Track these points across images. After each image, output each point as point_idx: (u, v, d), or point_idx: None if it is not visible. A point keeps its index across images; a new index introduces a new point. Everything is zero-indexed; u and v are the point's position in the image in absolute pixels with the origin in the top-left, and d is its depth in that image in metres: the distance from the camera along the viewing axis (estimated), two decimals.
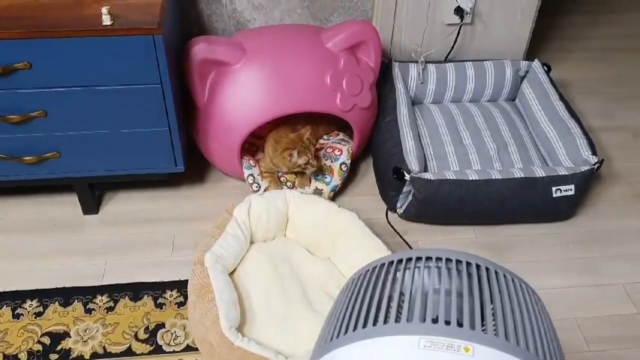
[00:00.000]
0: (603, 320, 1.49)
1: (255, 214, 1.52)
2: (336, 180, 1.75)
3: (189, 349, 1.40)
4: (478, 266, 0.73)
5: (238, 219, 1.50)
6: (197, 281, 1.35)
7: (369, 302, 0.70)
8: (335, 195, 1.79)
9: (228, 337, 1.25)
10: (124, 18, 1.40)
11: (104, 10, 1.36)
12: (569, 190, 1.64)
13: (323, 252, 1.56)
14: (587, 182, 1.67)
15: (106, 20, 1.37)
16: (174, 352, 1.40)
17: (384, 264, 0.75)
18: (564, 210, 1.71)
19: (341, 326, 0.69)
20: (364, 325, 0.66)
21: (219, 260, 1.39)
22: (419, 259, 0.74)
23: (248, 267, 1.48)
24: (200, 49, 1.58)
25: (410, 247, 1.66)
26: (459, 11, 1.92)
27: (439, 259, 0.73)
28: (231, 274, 1.46)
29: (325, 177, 1.74)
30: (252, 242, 1.54)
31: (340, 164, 1.76)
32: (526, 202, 1.64)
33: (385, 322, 0.65)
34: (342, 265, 1.52)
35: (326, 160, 1.77)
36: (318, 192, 1.73)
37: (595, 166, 1.66)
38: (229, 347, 1.25)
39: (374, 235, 1.50)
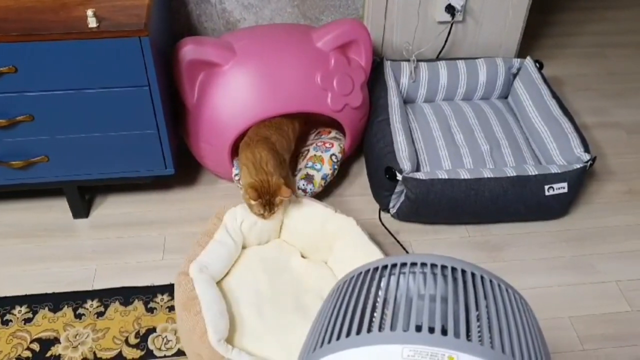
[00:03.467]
0: (597, 319, 1.49)
1: (248, 219, 1.51)
2: (327, 169, 1.73)
3: (181, 353, 1.39)
4: (464, 271, 0.72)
5: (228, 225, 1.48)
6: (182, 294, 1.32)
7: (352, 310, 0.68)
8: (328, 195, 1.78)
9: (218, 350, 1.23)
10: (110, 20, 1.38)
11: (90, 12, 1.35)
12: (561, 188, 1.63)
13: (319, 256, 1.55)
14: (580, 180, 1.66)
15: (92, 22, 1.35)
16: (165, 356, 1.39)
17: (368, 270, 0.74)
18: (557, 209, 1.70)
19: (325, 335, 0.68)
20: (348, 334, 0.65)
21: (204, 270, 1.37)
22: (403, 264, 0.73)
23: (239, 274, 1.46)
24: (189, 50, 1.57)
25: (404, 247, 1.65)
26: (450, 9, 1.91)
27: (424, 265, 0.72)
28: (220, 281, 1.45)
29: (316, 165, 1.73)
30: (245, 247, 1.53)
31: (331, 155, 1.74)
32: (519, 200, 1.63)
33: (369, 330, 0.64)
34: (339, 270, 1.51)
35: (316, 151, 1.76)
36: (309, 177, 1.70)
37: (588, 164, 1.66)
38: None
39: (371, 241, 1.49)
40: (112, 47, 1.38)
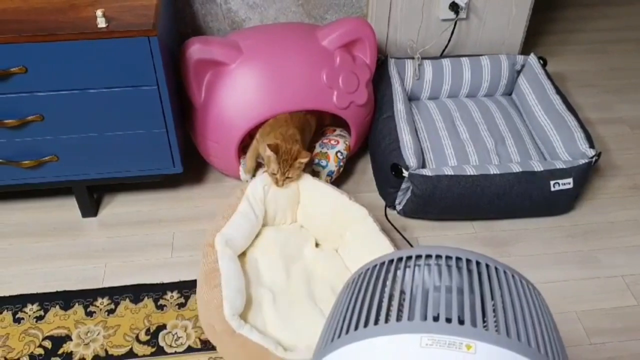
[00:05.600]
0: (603, 313, 1.50)
1: (268, 191, 1.55)
2: (332, 165, 1.74)
3: (191, 350, 1.40)
4: (478, 263, 0.73)
5: (250, 198, 1.53)
6: (206, 266, 1.38)
7: (369, 301, 0.70)
8: None
9: (230, 323, 1.28)
10: (118, 20, 1.39)
11: (99, 12, 1.36)
12: (567, 183, 1.64)
13: (331, 244, 1.58)
14: (585, 175, 1.68)
15: (101, 22, 1.37)
16: (175, 353, 1.40)
17: (384, 263, 0.76)
18: (562, 204, 1.71)
19: (342, 326, 0.69)
20: (366, 325, 0.66)
21: (229, 243, 1.43)
22: (419, 256, 0.74)
23: (259, 255, 1.52)
24: (196, 50, 1.58)
25: (410, 244, 1.66)
26: (454, 6, 1.92)
27: (439, 257, 0.73)
28: (242, 257, 1.49)
29: (321, 162, 1.74)
30: (265, 225, 1.57)
31: (336, 152, 1.76)
32: (525, 196, 1.64)
33: (387, 321, 0.65)
34: (348, 260, 1.54)
35: (322, 148, 1.78)
36: (315, 174, 1.72)
37: (593, 159, 1.67)
38: (231, 334, 1.28)
39: (382, 233, 1.51)
40: (121, 47, 1.39)
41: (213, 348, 1.40)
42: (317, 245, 1.60)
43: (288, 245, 1.54)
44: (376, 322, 0.66)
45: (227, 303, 1.30)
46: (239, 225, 1.47)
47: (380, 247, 1.47)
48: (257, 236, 1.56)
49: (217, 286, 1.33)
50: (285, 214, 1.60)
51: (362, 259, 1.45)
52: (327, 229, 1.57)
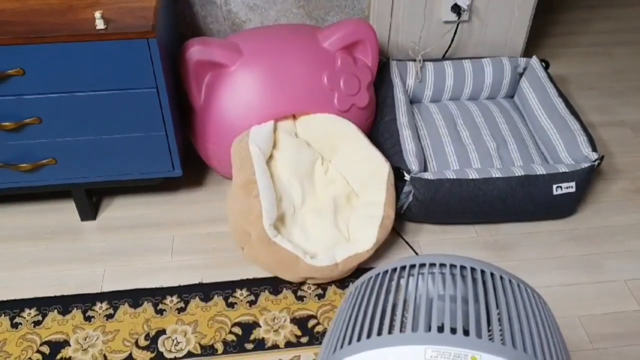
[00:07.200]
0: (606, 318, 1.49)
1: None
2: None
3: (191, 355, 1.39)
4: (483, 272, 0.72)
5: None
6: (243, 177, 1.51)
7: (372, 311, 0.68)
8: None
9: (268, 232, 1.44)
10: (117, 22, 1.38)
11: (98, 14, 1.35)
12: (569, 187, 1.63)
13: (327, 154, 1.70)
14: (588, 179, 1.66)
15: (100, 24, 1.35)
16: (175, 358, 1.39)
17: (387, 271, 0.74)
18: (565, 208, 1.69)
19: (345, 336, 0.67)
20: (369, 336, 0.65)
21: (259, 146, 1.56)
22: (422, 265, 0.72)
23: (280, 172, 1.62)
24: (196, 51, 1.57)
25: (412, 248, 1.65)
26: (456, 8, 1.91)
27: (442, 265, 0.72)
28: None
29: None
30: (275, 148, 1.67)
31: None
32: (527, 200, 1.63)
33: (390, 332, 0.64)
34: (343, 170, 1.67)
35: None
36: None
37: (596, 162, 1.65)
38: (267, 242, 1.45)
39: (371, 145, 1.64)
40: (120, 48, 1.38)
41: (213, 353, 1.39)
42: (322, 166, 1.71)
43: (302, 163, 1.65)
44: (379, 333, 0.64)
45: (265, 213, 1.45)
46: (257, 129, 1.60)
47: (369, 159, 1.61)
48: (273, 157, 1.65)
49: (256, 197, 1.47)
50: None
51: (355, 172, 1.66)
52: (324, 141, 1.68)
